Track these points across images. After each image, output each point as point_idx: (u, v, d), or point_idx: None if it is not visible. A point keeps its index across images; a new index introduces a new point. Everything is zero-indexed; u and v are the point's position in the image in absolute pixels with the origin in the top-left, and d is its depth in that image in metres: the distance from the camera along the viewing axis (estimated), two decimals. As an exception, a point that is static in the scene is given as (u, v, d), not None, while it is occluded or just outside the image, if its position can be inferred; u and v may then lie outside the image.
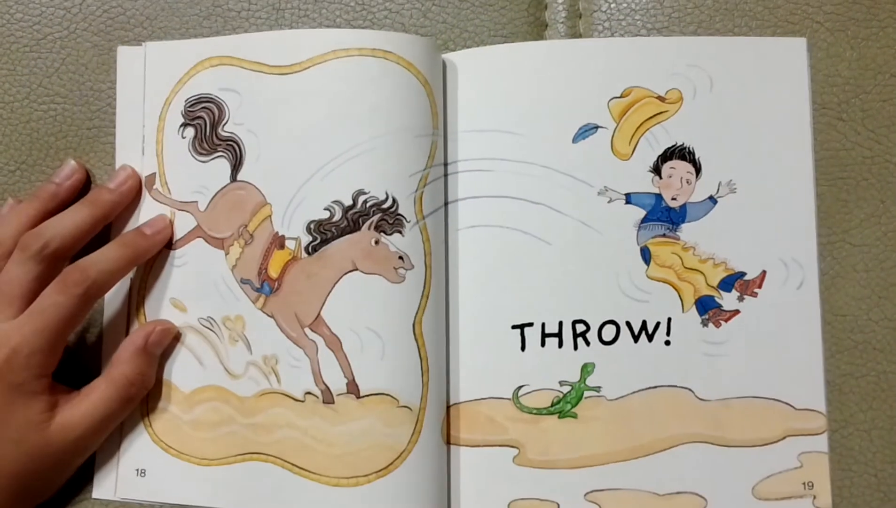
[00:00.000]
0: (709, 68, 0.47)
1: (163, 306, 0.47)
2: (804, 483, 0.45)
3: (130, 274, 0.47)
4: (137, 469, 0.47)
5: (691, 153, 0.46)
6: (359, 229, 0.45)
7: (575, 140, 0.46)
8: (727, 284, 0.46)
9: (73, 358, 0.47)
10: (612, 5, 0.49)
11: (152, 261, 0.47)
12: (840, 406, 0.46)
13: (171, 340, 0.46)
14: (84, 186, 0.48)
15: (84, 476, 0.47)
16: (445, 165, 0.47)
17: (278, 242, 0.45)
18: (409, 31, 0.49)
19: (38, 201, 0.46)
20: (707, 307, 0.46)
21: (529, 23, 0.49)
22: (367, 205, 0.44)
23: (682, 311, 0.46)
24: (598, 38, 0.49)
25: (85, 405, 0.43)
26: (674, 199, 0.46)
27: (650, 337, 0.46)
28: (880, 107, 0.47)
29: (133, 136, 0.48)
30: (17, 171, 0.49)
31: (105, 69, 0.49)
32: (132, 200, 0.47)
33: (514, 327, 0.46)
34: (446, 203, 0.46)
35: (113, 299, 0.48)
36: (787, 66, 0.47)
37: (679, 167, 0.46)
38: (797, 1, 0.48)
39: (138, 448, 0.47)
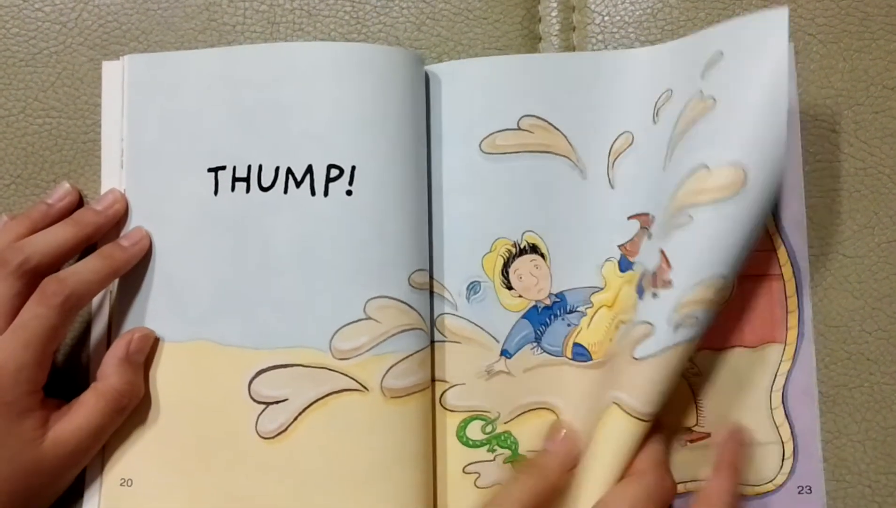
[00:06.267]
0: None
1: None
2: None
3: (112, 286, 0.47)
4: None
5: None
6: None
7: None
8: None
9: (62, 370, 0.47)
10: (606, 18, 0.49)
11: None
12: (834, 417, 0.46)
13: (151, 345, 0.46)
14: (76, 209, 0.48)
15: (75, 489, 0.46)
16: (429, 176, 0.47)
17: None
18: (403, 45, 0.49)
19: (28, 220, 0.46)
20: None
21: (523, 36, 0.50)
22: None
23: None
24: (589, 50, 0.49)
25: (76, 420, 0.43)
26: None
27: None
28: (873, 118, 0.47)
29: (115, 149, 0.48)
30: (11, 185, 0.49)
31: (100, 84, 0.49)
32: (117, 222, 0.47)
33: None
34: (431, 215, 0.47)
35: (97, 311, 0.48)
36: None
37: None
38: (789, 13, 0.48)
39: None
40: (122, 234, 0.47)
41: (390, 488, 0.43)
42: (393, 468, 0.43)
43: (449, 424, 0.46)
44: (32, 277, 0.43)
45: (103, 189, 0.48)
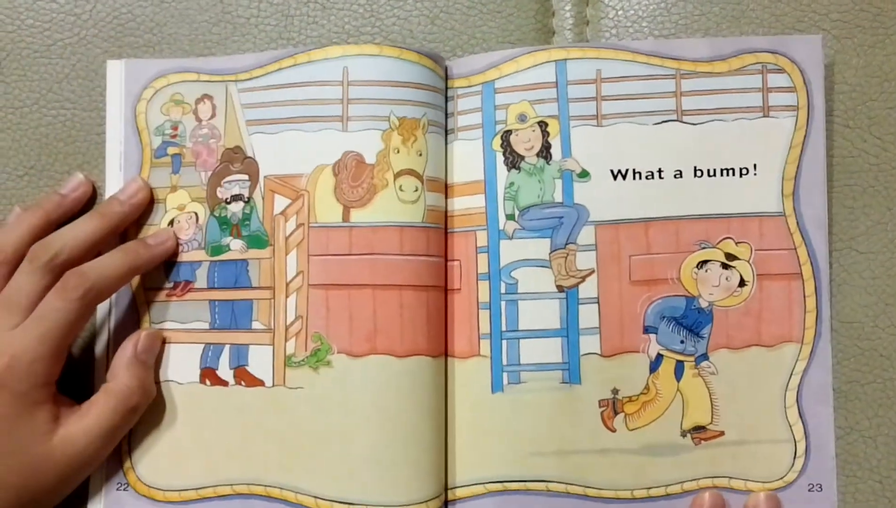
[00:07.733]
0: None
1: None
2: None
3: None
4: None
5: None
6: None
7: None
8: None
9: (75, 371, 0.47)
10: (620, 12, 0.49)
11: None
12: (846, 413, 0.46)
13: (160, 345, 0.46)
14: (89, 200, 0.48)
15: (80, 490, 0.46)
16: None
17: None
18: (416, 39, 0.49)
19: (41, 210, 0.46)
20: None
21: (537, 29, 0.50)
22: None
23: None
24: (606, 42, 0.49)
25: (87, 419, 0.43)
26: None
27: None
28: (887, 114, 0.47)
29: (115, 151, 0.48)
30: (25, 176, 0.49)
31: (114, 76, 0.49)
32: (142, 211, 0.47)
33: None
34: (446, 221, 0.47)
35: (105, 315, 0.48)
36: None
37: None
38: (804, 8, 0.48)
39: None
40: (147, 222, 0.48)
41: None
42: None
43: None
44: (61, 271, 0.43)
45: (107, 187, 0.48)
